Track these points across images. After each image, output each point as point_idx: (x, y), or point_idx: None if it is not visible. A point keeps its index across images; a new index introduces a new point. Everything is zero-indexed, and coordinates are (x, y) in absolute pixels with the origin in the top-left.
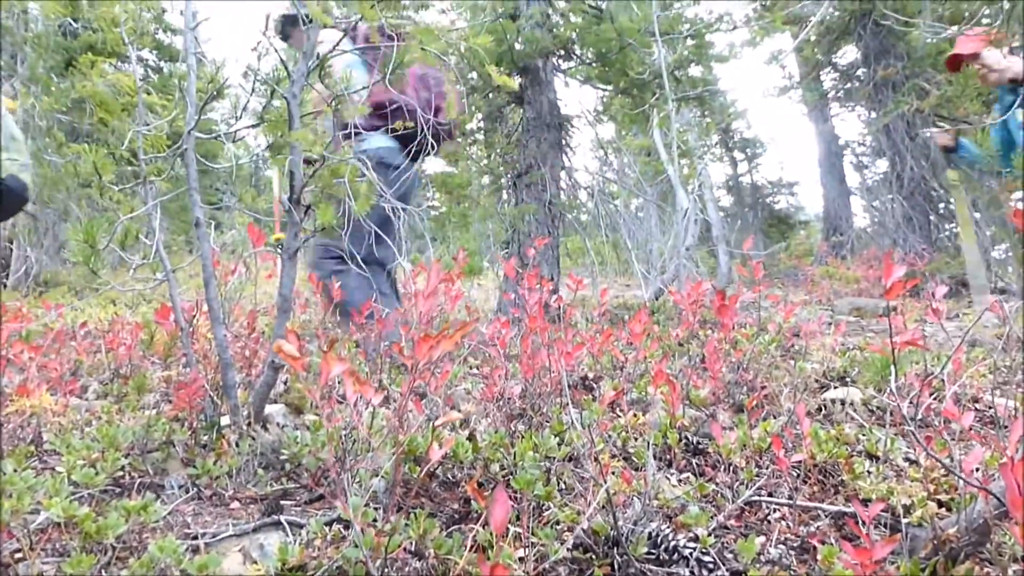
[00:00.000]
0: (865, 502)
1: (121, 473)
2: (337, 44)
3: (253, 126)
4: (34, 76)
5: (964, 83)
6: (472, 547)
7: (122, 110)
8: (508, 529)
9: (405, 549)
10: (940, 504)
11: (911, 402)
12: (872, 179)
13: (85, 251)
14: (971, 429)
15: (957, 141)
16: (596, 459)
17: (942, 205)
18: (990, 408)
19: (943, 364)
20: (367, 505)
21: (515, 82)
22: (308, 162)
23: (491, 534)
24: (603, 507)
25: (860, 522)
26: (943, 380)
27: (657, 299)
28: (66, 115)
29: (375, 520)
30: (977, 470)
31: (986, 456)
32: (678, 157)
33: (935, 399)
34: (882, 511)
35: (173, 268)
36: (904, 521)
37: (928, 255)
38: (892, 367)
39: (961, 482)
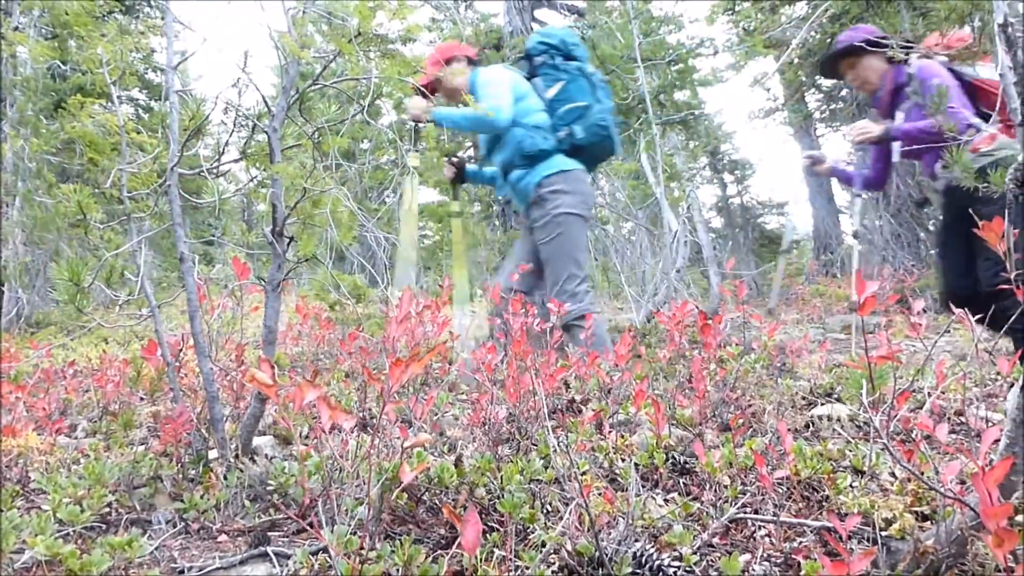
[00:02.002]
0: (844, 516)
1: (107, 510)
2: (315, 79)
3: (235, 161)
4: (23, 119)
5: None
6: (456, 572)
7: (112, 149)
8: (494, 552)
9: None
10: (923, 517)
11: (887, 415)
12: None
13: (70, 289)
14: (949, 442)
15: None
16: (577, 480)
17: (931, 222)
18: (977, 420)
19: (913, 377)
20: (353, 533)
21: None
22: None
23: (476, 558)
24: (588, 528)
25: (837, 536)
26: (928, 394)
27: (648, 321)
28: (56, 156)
29: (361, 548)
30: (963, 483)
31: (965, 467)
32: (666, 180)
33: (918, 412)
34: (865, 525)
35: (159, 303)
36: (884, 534)
37: (917, 271)
38: (866, 382)
39: (941, 495)
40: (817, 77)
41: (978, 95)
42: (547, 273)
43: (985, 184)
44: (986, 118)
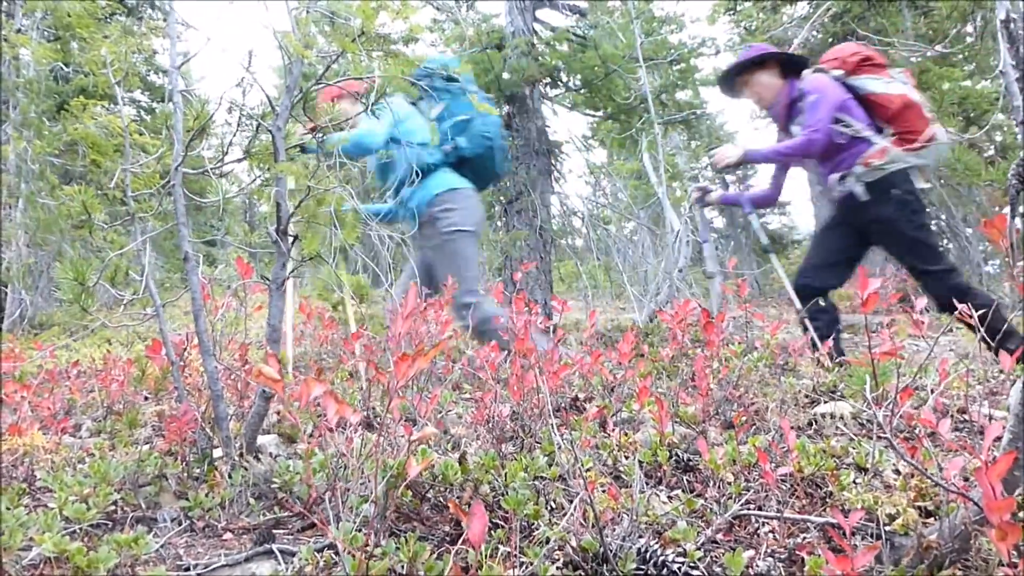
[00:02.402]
0: (847, 512)
1: (113, 508)
2: (319, 79)
3: (239, 160)
4: (26, 120)
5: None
6: (462, 569)
7: (115, 151)
8: (498, 549)
9: (396, 572)
10: (927, 513)
11: (889, 412)
12: None
13: (75, 289)
14: (952, 439)
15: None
16: (581, 477)
17: (934, 222)
18: (982, 417)
19: (914, 374)
20: (359, 530)
21: (496, 110)
22: None
23: (481, 554)
24: (592, 524)
25: (840, 531)
26: (931, 391)
27: (651, 321)
28: (59, 158)
29: (366, 545)
30: (966, 479)
31: (969, 463)
32: (668, 180)
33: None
34: (868, 521)
35: (163, 303)
36: (887, 530)
37: None
38: (869, 379)
39: (944, 490)
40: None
41: (874, 108)
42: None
43: (878, 195)
44: (880, 131)
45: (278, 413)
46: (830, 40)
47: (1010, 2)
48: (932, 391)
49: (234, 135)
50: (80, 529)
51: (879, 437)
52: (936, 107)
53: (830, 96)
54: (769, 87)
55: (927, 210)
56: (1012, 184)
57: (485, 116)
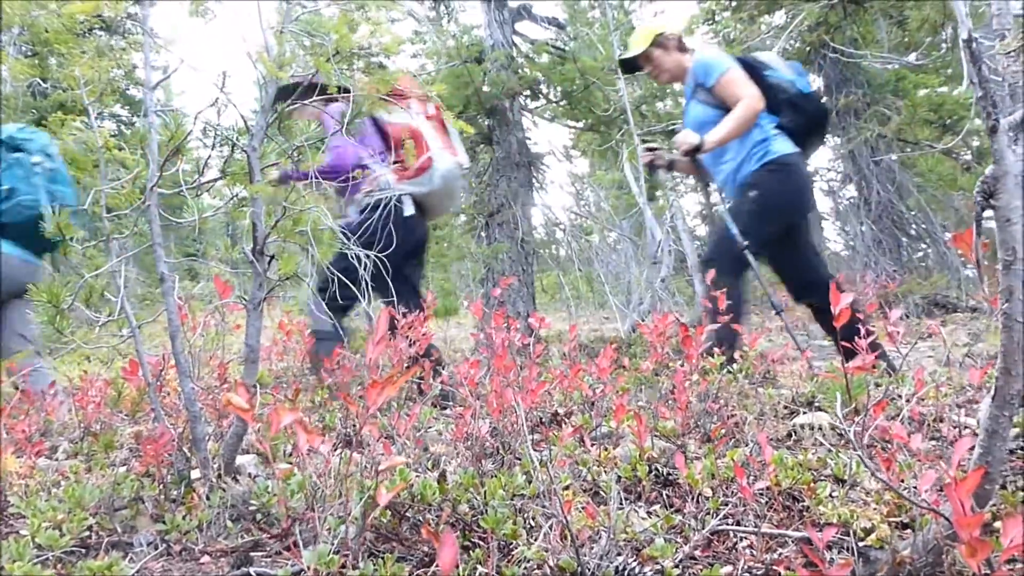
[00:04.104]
0: (820, 527)
1: (88, 533)
2: (293, 98)
3: (215, 180)
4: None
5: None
6: None
7: (94, 166)
8: (476, 569)
9: None
10: (903, 526)
11: (861, 426)
12: (843, 204)
13: (49, 311)
14: (929, 449)
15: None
16: (557, 495)
17: (913, 228)
18: (956, 427)
19: (888, 384)
20: (336, 552)
21: (471, 128)
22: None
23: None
24: (570, 543)
25: (814, 547)
26: (906, 401)
27: (633, 332)
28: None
29: (343, 567)
30: (940, 492)
31: (943, 476)
32: (650, 190)
33: (896, 420)
34: (845, 535)
35: (141, 323)
36: (862, 544)
37: (899, 277)
38: (840, 394)
39: (915, 505)
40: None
41: (386, 137)
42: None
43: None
44: (400, 160)
45: (258, 430)
46: (807, 50)
47: (971, 22)
48: (907, 401)
49: (209, 156)
50: (53, 556)
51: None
52: (911, 114)
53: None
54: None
55: (415, 236)
56: (977, 201)
57: (32, 187)
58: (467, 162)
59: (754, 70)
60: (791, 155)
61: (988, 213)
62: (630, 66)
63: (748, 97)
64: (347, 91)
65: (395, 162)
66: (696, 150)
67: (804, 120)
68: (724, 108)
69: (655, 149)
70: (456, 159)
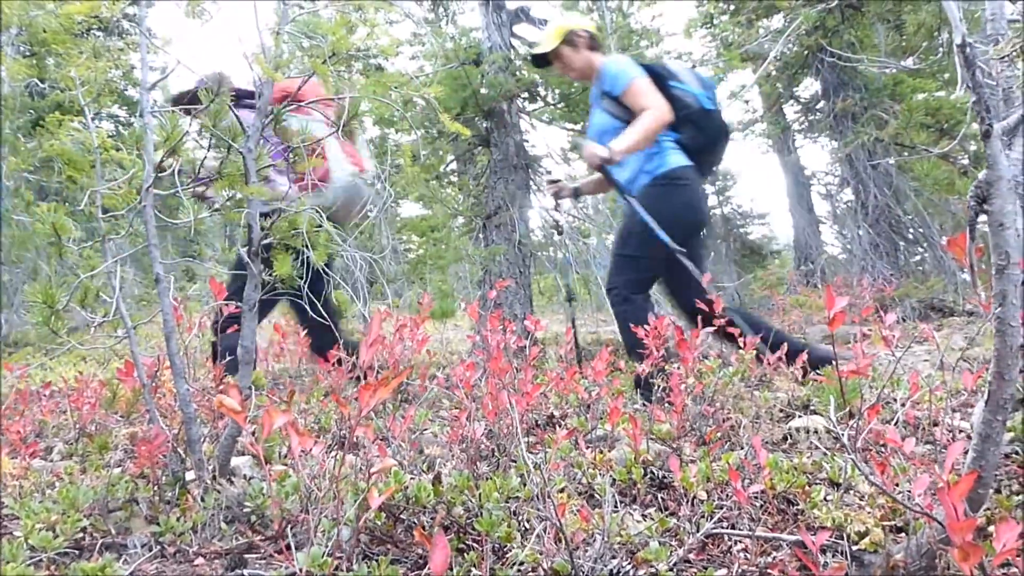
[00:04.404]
0: (814, 530)
1: (82, 535)
2: (289, 99)
3: (210, 180)
4: (1, 137)
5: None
6: None
7: (91, 167)
8: (471, 572)
9: None
10: (898, 530)
11: (855, 430)
12: (840, 208)
13: (44, 312)
14: (924, 453)
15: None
16: (551, 499)
17: (910, 232)
18: (950, 431)
19: (882, 387)
20: (330, 554)
21: (468, 130)
22: None
23: None
24: (564, 546)
25: (808, 551)
26: (901, 404)
27: None
28: (34, 174)
29: (336, 569)
30: (934, 495)
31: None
32: None
33: (892, 424)
34: (840, 539)
35: (136, 324)
36: (856, 548)
37: (896, 281)
38: (834, 398)
39: (908, 509)
40: (796, 87)
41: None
42: None
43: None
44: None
45: (253, 433)
46: (805, 53)
47: (966, 27)
48: (902, 404)
49: (205, 157)
50: (46, 558)
51: (860, 453)
52: (908, 119)
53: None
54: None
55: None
56: (971, 206)
57: None
58: (372, 170)
59: (660, 79)
60: (683, 168)
61: (983, 217)
62: (540, 62)
63: (655, 108)
64: (251, 96)
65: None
66: (608, 161)
67: (703, 137)
68: (628, 119)
69: (557, 181)
70: (354, 169)
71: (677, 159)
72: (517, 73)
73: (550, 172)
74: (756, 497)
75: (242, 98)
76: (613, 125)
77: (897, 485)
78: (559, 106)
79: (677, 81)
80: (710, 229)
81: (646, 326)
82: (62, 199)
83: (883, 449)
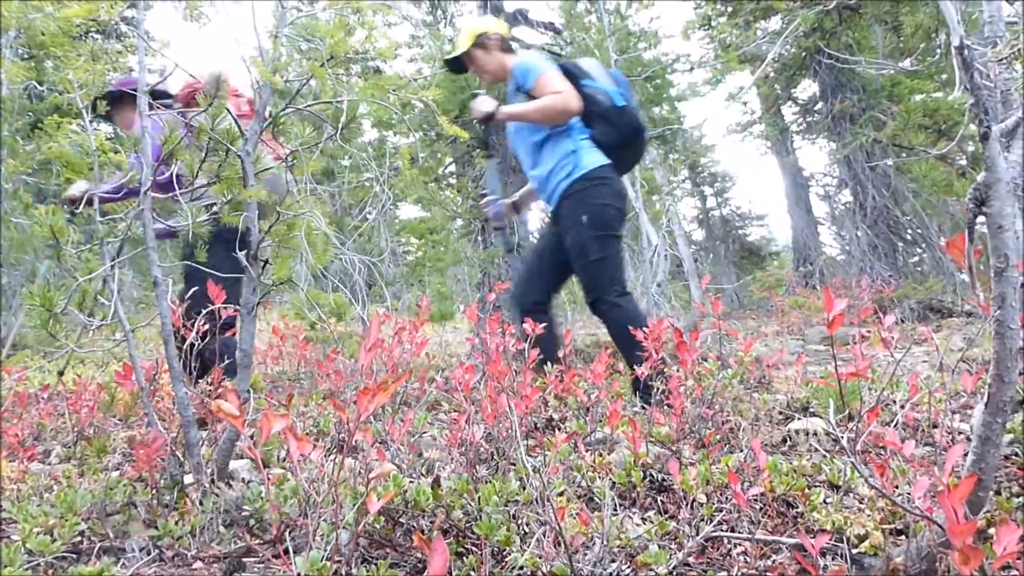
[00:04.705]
0: (814, 533)
1: (79, 539)
2: (290, 102)
3: (209, 184)
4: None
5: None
6: None
7: (89, 169)
8: (470, 575)
9: None
10: (898, 532)
11: (855, 432)
12: (838, 209)
13: (43, 315)
14: (923, 455)
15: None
16: (550, 502)
17: (909, 233)
18: (949, 433)
19: (882, 390)
20: (328, 558)
21: (466, 132)
22: None
23: None
24: (564, 550)
25: (808, 554)
26: (900, 407)
27: None
28: (33, 177)
29: (335, 574)
30: (934, 498)
31: (936, 483)
32: (646, 194)
33: (891, 426)
34: (839, 542)
35: (134, 327)
36: (856, 551)
37: (894, 282)
38: (833, 401)
39: (908, 512)
40: (794, 89)
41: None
42: None
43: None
44: None
45: (252, 437)
46: (803, 55)
47: (963, 29)
48: (901, 407)
49: (203, 160)
50: (44, 562)
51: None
52: (906, 120)
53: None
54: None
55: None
56: (969, 208)
57: None
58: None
59: (573, 77)
60: (599, 167)
61: (981, 219)
62: (455, 66)
63: (560, 93)
64: (168, 96)
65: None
66: (490, 118)
67: (616, 134)
68: None
69: (492, 199)
70: (269, 159)
71: (593, 159)
72: None
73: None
74: (755, 500)
75: (157, 97)
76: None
77: (897, 488)
78: None
79: (590, 79)
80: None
81: (644, 327)
82: (60, 202)
83: (883, 451)
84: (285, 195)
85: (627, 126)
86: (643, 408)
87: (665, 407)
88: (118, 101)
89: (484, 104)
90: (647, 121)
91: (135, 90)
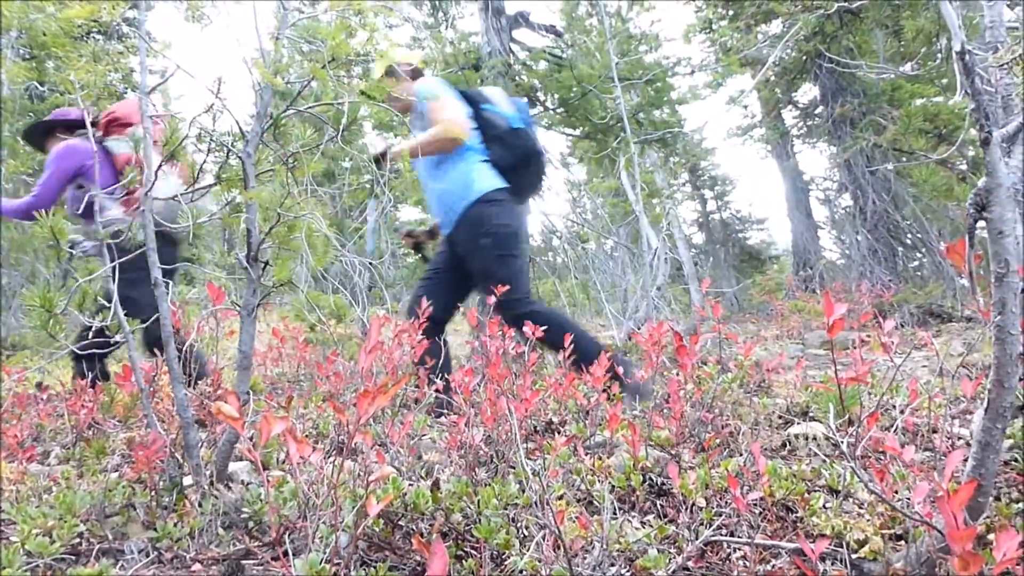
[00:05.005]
0: (813, 538)
1: (78, 540)
2: (289, 106)
3: (210, 186)
4: (1, 140)
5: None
6: None
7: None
8: None
9: None
10: (898, 537)
11: (855, 437)
12: (839, 213)
13: (43, 316)
14: (923, 460)
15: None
16: (549, 506)
17: (909, 237)
18: (949, 439)
19: (881, 395)
20: (327, 560)
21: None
22: None
23: None
24: (563, 554)
25: (807, 559)
26: (900, 411)
27: (629, 339)
28: (32, 176)
29: (335, 575)
30: (934, 503)
31: (936, 488)
32: (646, 197)
33: (891, 431)
34: (839, 547)
35: (132, 328)
36: (856, 556)
37: (894, 286)
38: (833, 405)
39: (907, 517)
40: (794, 93)
41: (126, 170)
42: None
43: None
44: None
45: (251, 438)
46: (804, 59)
47: (964, 34)
48: (901, 411)
49: (204, 161)
50: (43, 563)
51: (859, 461)
52: (907, 124)
53: (62, 166)
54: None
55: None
56: (970, 213)
57: None
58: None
59: (474, 103)
60: (493, 191)
61: (982, 224)
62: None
63: (448, 120)
64: (81, 124)
65: (127, 193)
66: (381, 157)
67: (511, 156)
68: None
69: (409, 232)
70: (179, 182)
71: (487, 183)
72: (516, 78)
73: (546, 175)
74: (755, 504)
75: (72, 128)
76: None
77: (896, 493)
78: (558, 111)
79: (490, 104)
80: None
81: (563, 323)
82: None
83: (882, 456)
84: (176, 221)
85: (521, 148)
86: (633, 404)
87: (664, 410)
88: (49, 132)
89: (376, 147)
90: (543, 145)
91: (70, 121)
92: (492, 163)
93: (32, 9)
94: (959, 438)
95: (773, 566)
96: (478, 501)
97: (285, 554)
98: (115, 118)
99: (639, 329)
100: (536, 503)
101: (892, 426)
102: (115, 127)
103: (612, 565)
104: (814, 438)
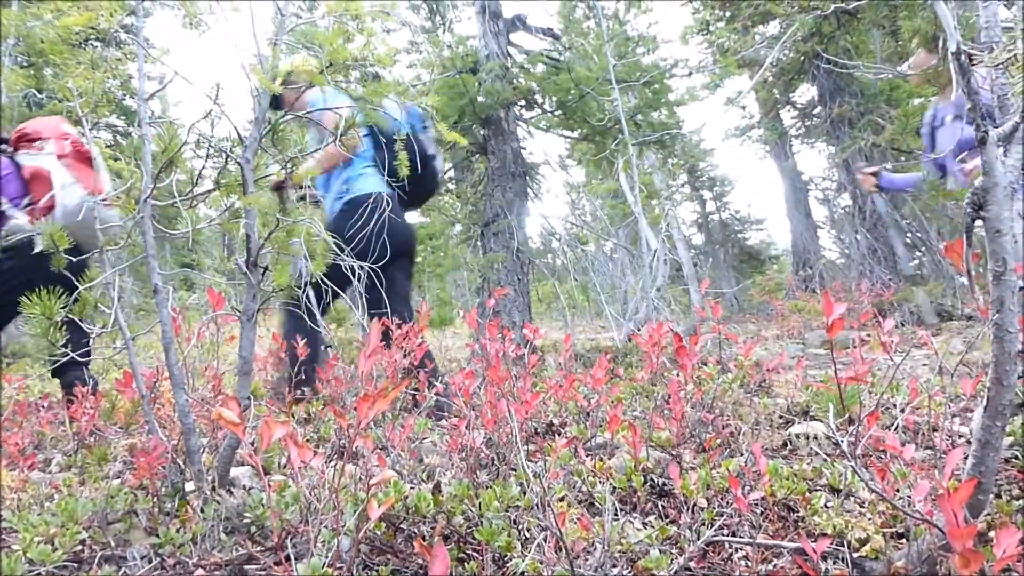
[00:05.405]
0: (815, 537)
1: (80, 547)
2: (287, 110)
3: (209, 192)
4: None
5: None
6: None
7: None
8: None
9: None
10: (899, 536)
11: (855, 436)
12: (838, 212)
13: (43, 324)
14: (924, 459)
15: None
16: (550, 508)
17: (908, 236)
18: (949, 437)
19: (881, 393)
20: (330, 565)
21: (464, 138)
22: None
23: None
24: (565, 555)
25: (809, 558)
26: (900, 410)
27: (629, 341)
28: None
29: None
30: (935, 501)
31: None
32: (645, 199)
33: (892, 430)
34: (840, 546)
35: (134, 335)
36: (857, 555)
37: (894, 285)
38: (833, 405)
39: (908, 515)
40: (792, 93)
41: (32, 182)
42: None
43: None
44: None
45: (252, 443)
46: (801, 60)
47: (960, 35)
48: (901, 410)
49: (203, 167)
50: (45, 572)
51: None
52: (905, 124)
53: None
54: None
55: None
56: (967, 212)
57: None
58: (108, 190)
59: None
60: (369, 195)
61: (979, 223)
62: (274, 104)
63: (330, 149)
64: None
65: (27, 204)
66: (281, 184)
67: (394, 160)
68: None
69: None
70: (84, 194)
71: (366, 185)
72: (514, 81)
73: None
74: (756, 504)
75: None
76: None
77: (897, 491)
78: (556, 113)
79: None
80: (410, 250)
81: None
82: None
83: (883, 455)
84: (109, 225)
85: (410, 153)
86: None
87: (665, 411)
88: None
89: (277, 175)
90: (438, 150)
91: None
92: (378, 168)
93: (30, 16)
94: (959, 436)
95: (775, 566)
96: (479, 504)
97: (287, 559)
98: (24, 134)
99: (639, 330)
100: (537, 505)
101: (893, 425)
102: (23, 143)
103: (614, 566)
104: (815, 437)
